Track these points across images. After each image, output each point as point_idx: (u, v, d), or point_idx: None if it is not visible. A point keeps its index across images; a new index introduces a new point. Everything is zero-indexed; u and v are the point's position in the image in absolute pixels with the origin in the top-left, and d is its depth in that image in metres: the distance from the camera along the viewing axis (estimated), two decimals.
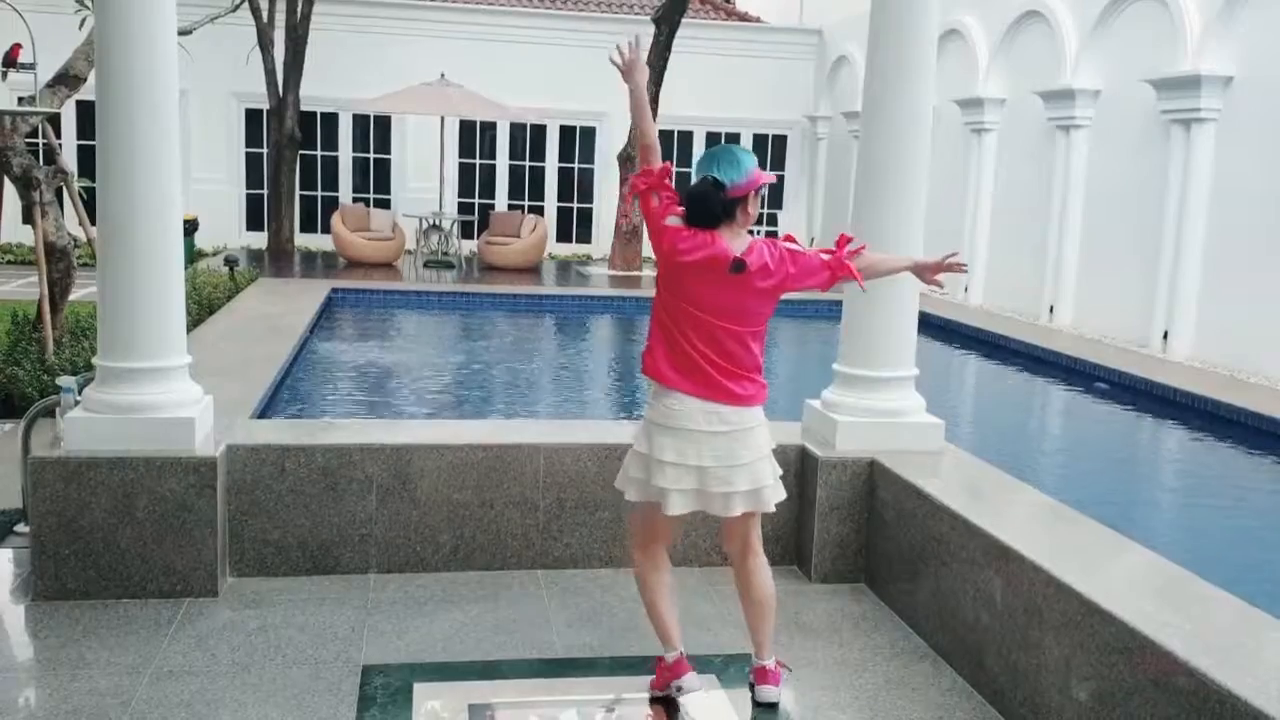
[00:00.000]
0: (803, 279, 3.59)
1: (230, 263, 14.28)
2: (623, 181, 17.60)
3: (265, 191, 19.26)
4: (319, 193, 20.36)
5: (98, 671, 3.76)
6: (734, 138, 21.74)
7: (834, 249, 3.67)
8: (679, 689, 3.66)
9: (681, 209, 3.56)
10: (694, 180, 3.56)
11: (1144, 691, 2.97)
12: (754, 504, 3.60)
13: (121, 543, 4.33)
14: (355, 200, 20.00)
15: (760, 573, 3.72)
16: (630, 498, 3.67)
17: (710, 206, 3.50)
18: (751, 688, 3.75)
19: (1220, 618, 3.18)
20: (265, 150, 19.24)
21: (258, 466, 4.59)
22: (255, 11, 17.29)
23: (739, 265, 3.45)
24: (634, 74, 3.71)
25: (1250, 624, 3.12)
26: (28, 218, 8.56)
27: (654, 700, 3.70)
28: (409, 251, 18.47)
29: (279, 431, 5.06)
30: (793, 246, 3.60)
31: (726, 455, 3.51)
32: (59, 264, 8.41)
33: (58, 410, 4.61)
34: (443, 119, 18.19)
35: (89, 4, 8.01)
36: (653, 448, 3.54)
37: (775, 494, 3.65)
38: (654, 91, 17.04)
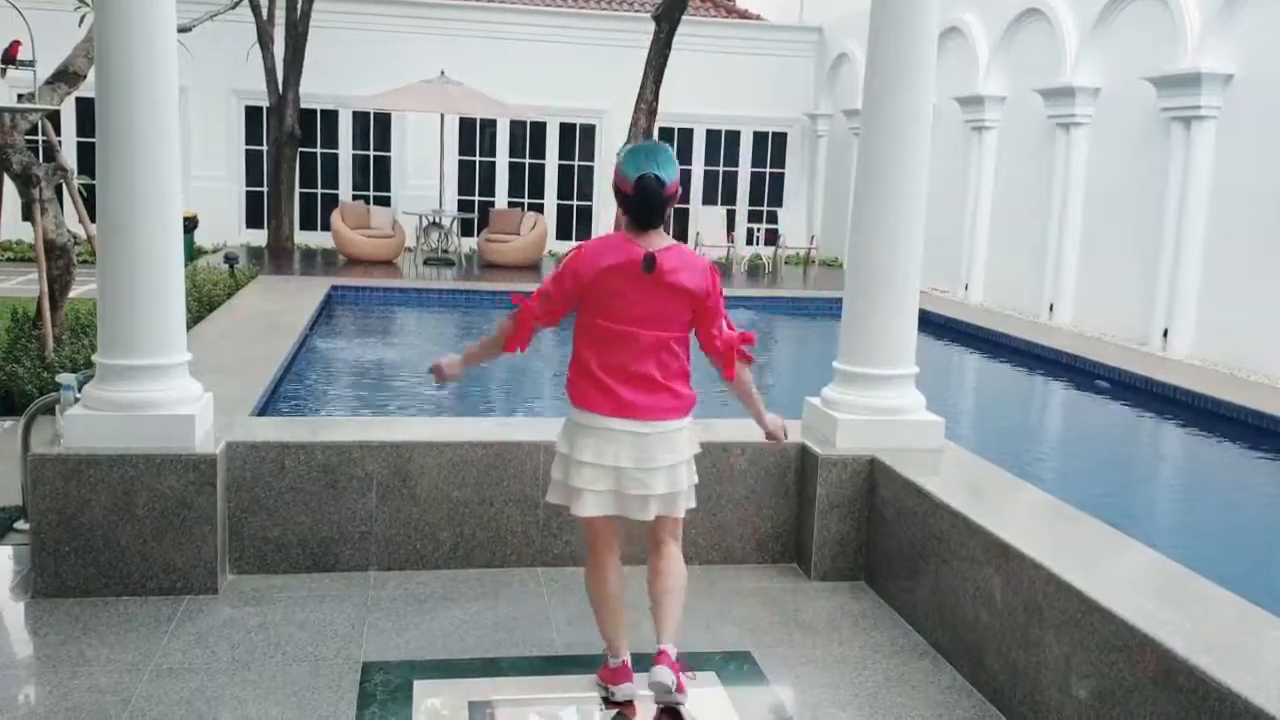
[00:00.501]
0: (712, 321, 3.57)
1: (230, 260, 14.27)
2: None
3: (265, 189, 19.25)
4: (319, 190, 20.35)
5: (98, 669, 3.76)
6: (734, 135, 21.75)
7: (735, 332, 3.66)
8: (611, 694, 3.62)
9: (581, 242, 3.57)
10: (624, 174, 3.47)
11: (1144, 690, 2.97)
12: (668, 509, 3.57)
13: (121, 540, 4.33)
14: (355, 198, 20.00)
15: (675, 563, 3.67)
16: (550, 499, 3.64)
17: (655, 204, 3.45)
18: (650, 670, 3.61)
19: (1220, 616, 3.18)
20: (265, 147, 19.23)
21: (257, 464, 4.59)
22: (255, 8, 17.27)
23: (650, 262, 3.39)
24: (455, 374, 3.82)
25: (1250, 622, 3.12)
26: (27, 215, 8.55)
27: (615, 702, 3.65)
28: (409, 249, 18.46)
29: (279, 429, 5.06)
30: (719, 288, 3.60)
31: (645, 458, 3.47)
32: (59, 261, 8.41)
33: (57, 407, 4.61)
34: (442, 116, 18.17)
35: (88, 1, 8.01)
36: (573, 448, 3.52)
37: (688, 500, 3.63)
38: (654, 90, 17.04)
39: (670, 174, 3.45)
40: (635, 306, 3.44)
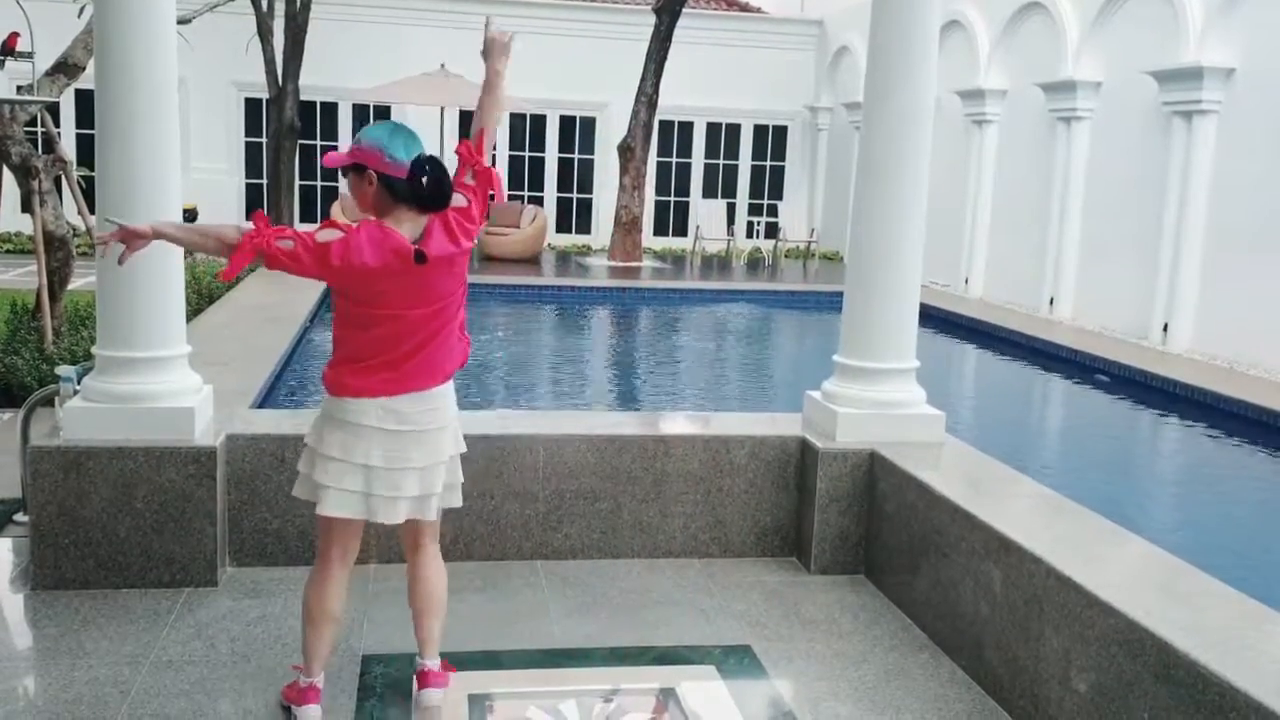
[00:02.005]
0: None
1: None
2: (624, 172, 17.58)
3: (265, 181, 19.24)
4: (318, 182, 20.33)
5: (97, 661, 3.76)
6: (734, 128, 21.71)
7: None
8: (294, 715, 3.40)
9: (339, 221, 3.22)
10: (394, 158, 3.17)
11: (1143, 684, 2.97)
12: (419, 511, 3.34)
13: (121, 532, 4.33)
14: None
15: (431, 566, 3.49)
16: (295, 493, 3.40)
17: (446, 186, 3.22)
18: (414, 693, 3.52)
19: (1220, 611, 3.18)
20: (265, 139, 19.21)
21: (257, 456, 4.58)
22: (254, 0, 17.23)
23: (421, 256, 3.14)
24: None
25: (1250, 617, 3.12)
26: (26, 207, 8.54)
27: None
28: None
29: (278, 421, 5.05)
30: (460, 203, 3.30)
31: (398, 457, 3.24)
32: (58, 253, 8.40)
33: (57, 400, 4.61)
34: (442, 109, 18.15)
35: None
36: (321, 443, 3.26)
37: (449, 499, 3.43)
38: (654, 83, 17.03)
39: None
40: (409, 294, 3.18)
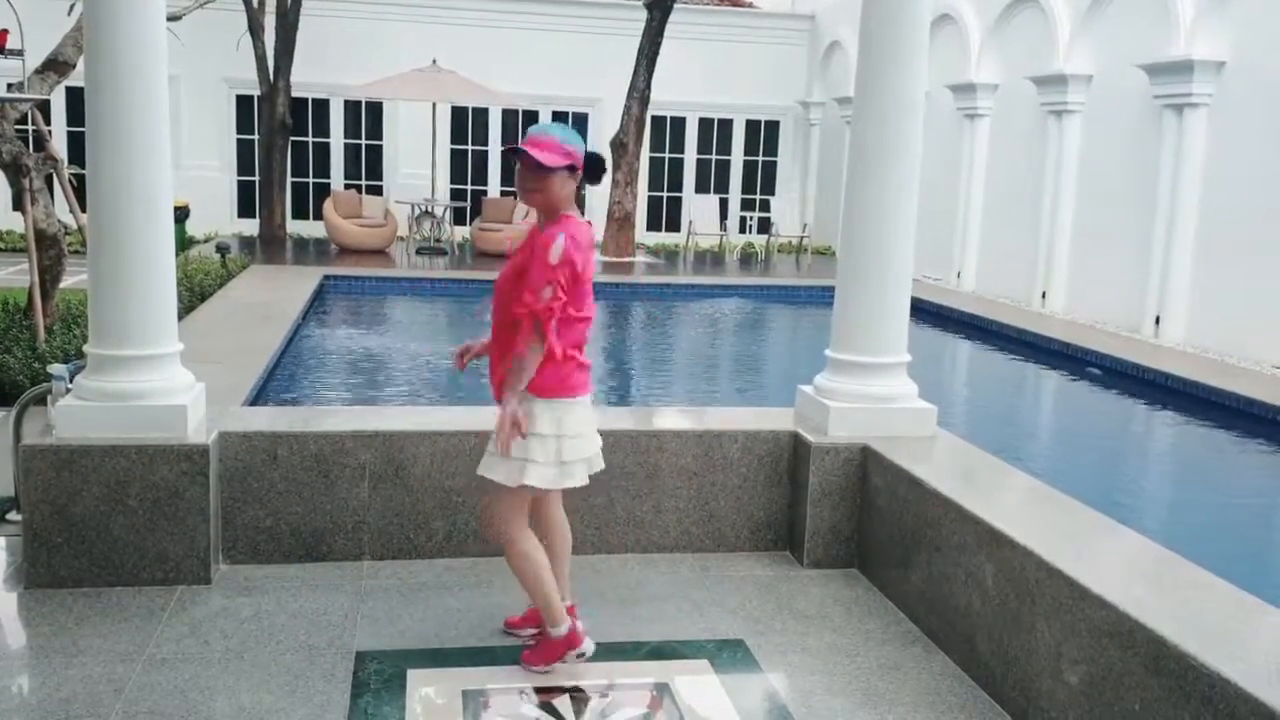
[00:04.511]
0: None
1: (222, 249, 14.23)
2: (616, 168, 17.57)
3: (257, 178, 19.20)
4: (310, 179, 20.30)
5: (91, 659, 3.76)
6: (727, 124, 21.71)
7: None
8: (581, 655, 3.76)
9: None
10: (580, 150, 3.62)
11: (1134, 675, 2.99)
12: (592, 466, 3.80)
13: (114, 530, 4.33)
14: (347, 187, 19.95)
15: (563, 516, 3.98)
16: (537, 484, 3.60)
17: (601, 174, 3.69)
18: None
19: (1211, 602, 3.19)
20: (257, 136, 19.16)
21: (250, 454, 4.58)
22: None
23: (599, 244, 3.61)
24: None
25: (1240, 608, 3.14)
26: (18, 205, 8.52)
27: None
28: (401, 238, 18.42)
29: (271, 419, 5.05)
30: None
31: (588, 419, 3.74)
32: (50, 251, 8.38)
33: (49, 398, 4.60)
34: (434, 105, 18.13)
35: None
36: (563, 427, 3.60)
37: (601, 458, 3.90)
38: (646, 78, 17.03)
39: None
40: (590, 285, 3.63)
